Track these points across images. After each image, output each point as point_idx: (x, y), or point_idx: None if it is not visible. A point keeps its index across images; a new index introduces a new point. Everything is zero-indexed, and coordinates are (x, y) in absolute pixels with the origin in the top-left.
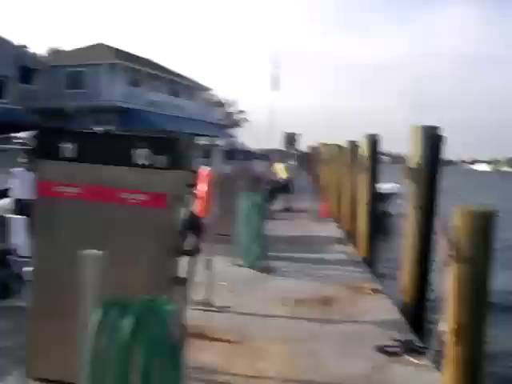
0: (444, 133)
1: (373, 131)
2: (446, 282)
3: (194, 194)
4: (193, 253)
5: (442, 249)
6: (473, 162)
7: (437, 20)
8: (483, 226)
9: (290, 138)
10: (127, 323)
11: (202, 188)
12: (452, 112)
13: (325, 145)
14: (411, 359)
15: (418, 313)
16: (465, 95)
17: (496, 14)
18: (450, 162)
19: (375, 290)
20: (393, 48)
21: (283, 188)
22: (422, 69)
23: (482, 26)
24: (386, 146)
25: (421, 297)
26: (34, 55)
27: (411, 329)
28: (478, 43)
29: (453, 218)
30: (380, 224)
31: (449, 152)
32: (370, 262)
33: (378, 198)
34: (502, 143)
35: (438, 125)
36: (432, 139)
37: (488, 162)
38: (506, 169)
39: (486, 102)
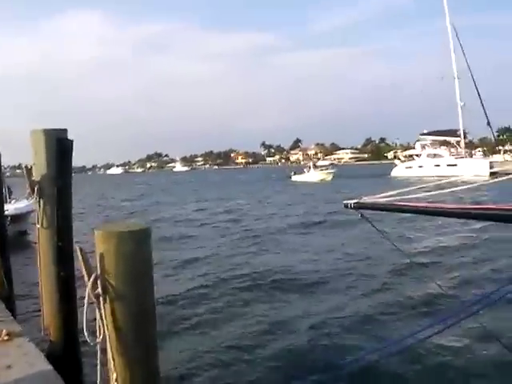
0: (77, 139)
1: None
2: (98, 325)
3: None
4: None
5: (87, 284)
6: (108, 167)
7: (60, 28)
8: (135, 249)
9: None
10: None
11: None
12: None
13: None
14: None
15: (69, 360)
16: (98, 102)
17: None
18: (84, 168)
19: (13, 335)
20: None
21: None
22: (54, 77)
23: (112, 30)
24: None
25: (71, 339)
26: None
27: (64, 382)
28: (110, 48)
29: (95, 242)
30: (16, 250)
31: (83, 158)
32: (5, 297)
33: (12, 220)
34: (135, 146)
35: (64, 128)
36: (59, 144)
37: (122, 165)
38: (137, 170)
39: (117, 109)
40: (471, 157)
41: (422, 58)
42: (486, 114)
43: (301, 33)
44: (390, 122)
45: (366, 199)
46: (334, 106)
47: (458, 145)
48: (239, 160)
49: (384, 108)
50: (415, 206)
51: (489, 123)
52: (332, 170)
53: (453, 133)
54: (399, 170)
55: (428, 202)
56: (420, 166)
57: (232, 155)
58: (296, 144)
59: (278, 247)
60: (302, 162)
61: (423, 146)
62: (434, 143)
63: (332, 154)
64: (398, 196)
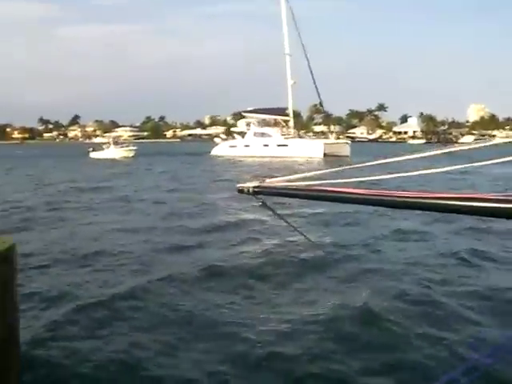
0: None
1: None
2: None
3: None
4: None
5: None
6: None
7: None
8: None
9: None
10: None
11: None
12: None
13: None
14: None
15: None
16: None
17: None
18: None
19: None
20: None
21: None
22: None
23: None
24: None
25: None
26: None
27: None
28: None
29: None
30: None
31: None
32: None
33: None
34: None
35: None
36: None
37: None
38: None
39: None
40: (301, 137)
41: (217, 38)
42: (318, 94)
43: (88, 6)
44: (171, 101)
45: (270, 182)
46: (116, 83)
47: (287, 124)
48: (15, 135)
49: (166, 87)
50: (353, 192)
51: (321, 103)
52: (134, 148)
53: (281, 111)
54: (222, 149)
55: (365, 189)
56: (246, 146)
57: (8, 130)
58: (74, 120)
59: None
60: (80, 139)
61: (248, 124)
62: (260, 122)
63: (111, 132)
64: (308, 180)
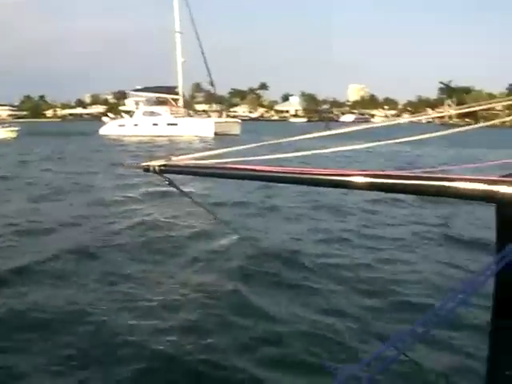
0: None
1: None
2: None
3: None
4: None
5: None
6: None
7: None
8: None
9: None
10: None
11: None
12: None
13: None
14: None
15: None
16: None
17: None
18: None
19: None
20: None
21: None
22: None
23: None
24: None
25: None
26: None
27: None
28: None
29: None
30: None
31: None
32: None
33: None
34: None
35: None
36: None
37: None
38: None
39: None
40: (190, 116)
41: (103, 15)
42: (209, 73)
43: None
44: (51, 79)
45: (177, 160)
46: None
47: (176, 103)
48: None
49: (46, 65)
50: (265, 170)
51: (212, 83)
52: (16, 128)
53: (171, 90)
54: (110, 128)
55: (276, 167)
56: (135, 125)
57: None
58: None
59: None
60: None
61: (137, 103)
62: (149, 101)
63: None
64: (214, 158)
